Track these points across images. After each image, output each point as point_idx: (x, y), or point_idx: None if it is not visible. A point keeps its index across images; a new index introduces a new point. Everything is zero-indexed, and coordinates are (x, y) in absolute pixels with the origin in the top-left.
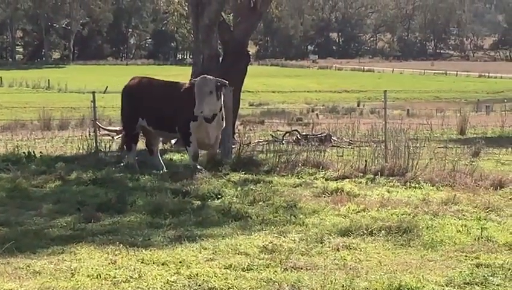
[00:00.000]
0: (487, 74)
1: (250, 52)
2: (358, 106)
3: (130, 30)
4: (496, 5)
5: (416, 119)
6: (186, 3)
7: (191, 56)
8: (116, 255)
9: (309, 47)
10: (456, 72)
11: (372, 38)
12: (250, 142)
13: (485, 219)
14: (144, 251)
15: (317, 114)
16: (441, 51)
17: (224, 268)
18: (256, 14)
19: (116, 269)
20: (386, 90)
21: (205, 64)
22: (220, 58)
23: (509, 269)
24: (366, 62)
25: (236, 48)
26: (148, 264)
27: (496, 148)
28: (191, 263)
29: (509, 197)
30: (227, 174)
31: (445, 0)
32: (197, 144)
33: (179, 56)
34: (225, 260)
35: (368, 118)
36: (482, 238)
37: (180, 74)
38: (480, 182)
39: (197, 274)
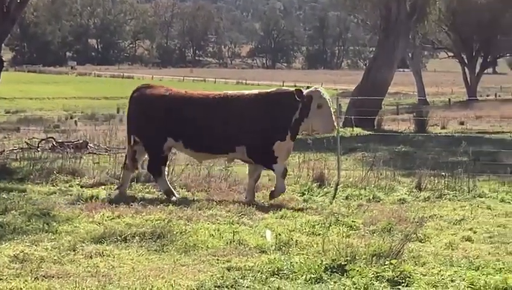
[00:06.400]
0: (244, 81)
1: (3, 58)
2: (118, 112)
3: None
4: (252, 13)
5: None
6: None
7: None
8: None
9: (68, 53)
10: (214, 79)
11: (131, 45)
12: (4, 150)
13: (237, 223)
14: None
15: (75, 121)
16: (200, 58)
17: None
18: (8, 19)
19: None
20: None
21: None
22: None
23: (259, 271)
24: (125, 69)
25: None
26: None
27: None
28: None
29: (262, 201)
30: None
31: (203, 8)
32: None
33: None
34: None
35: None
36: (234, 241)
37: None
38: (234, 186)
39: None
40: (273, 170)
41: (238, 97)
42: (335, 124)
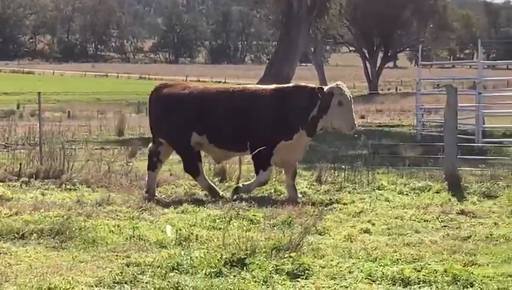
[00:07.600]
0: (148, 76)
1: None
2: (18, 108)
3: None
4: (155, 8)
5: (76, 121)
6: None
7: None
8: None
9: None
10: (117, 74)
11: (31, 40)
12: None
13: (138, 218)
14: None
15: None
16: (102, 53)
17: None
18: None
19: None
20: (40, 92)
21: None
22: None
23: (158, 267)
24: (25, 64)
25: None
26: None
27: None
28: None
29: (164, 196)
30: None
31: (105, 2)
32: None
33: None
34: None
35: (28, 120)
36: (134, 237)
37: None
38: (136, 182)
39: None
40: (257, 174)
41: (254, 91)
42: (356, 121)
